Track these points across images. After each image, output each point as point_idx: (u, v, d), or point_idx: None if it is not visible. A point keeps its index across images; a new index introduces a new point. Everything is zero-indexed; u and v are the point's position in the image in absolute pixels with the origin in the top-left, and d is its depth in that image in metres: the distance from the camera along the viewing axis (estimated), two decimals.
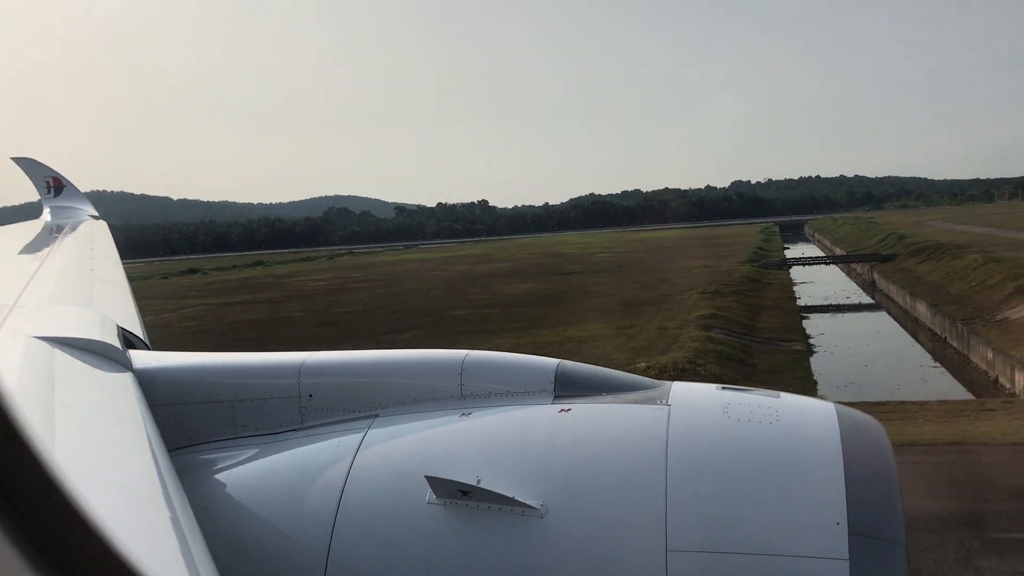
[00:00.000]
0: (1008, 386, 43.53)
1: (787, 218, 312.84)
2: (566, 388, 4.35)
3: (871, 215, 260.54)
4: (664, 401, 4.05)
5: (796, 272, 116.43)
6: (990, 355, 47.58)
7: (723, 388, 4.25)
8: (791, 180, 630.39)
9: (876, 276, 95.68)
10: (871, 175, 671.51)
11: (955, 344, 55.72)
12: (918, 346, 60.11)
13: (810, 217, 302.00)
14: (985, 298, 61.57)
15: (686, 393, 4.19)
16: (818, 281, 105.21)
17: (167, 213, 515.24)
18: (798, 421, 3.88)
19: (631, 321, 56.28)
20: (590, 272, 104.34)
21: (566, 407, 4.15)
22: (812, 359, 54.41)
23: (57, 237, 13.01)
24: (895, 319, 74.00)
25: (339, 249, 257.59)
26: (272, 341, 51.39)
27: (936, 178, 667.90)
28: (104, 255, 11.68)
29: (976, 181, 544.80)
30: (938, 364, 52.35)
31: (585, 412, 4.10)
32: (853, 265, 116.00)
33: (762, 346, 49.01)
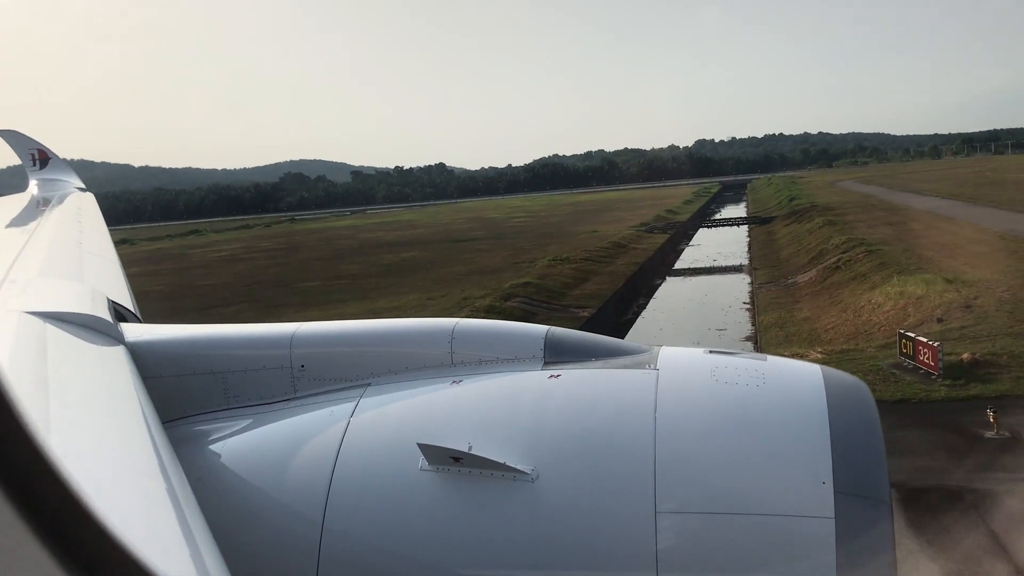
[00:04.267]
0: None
1: (737, 178, 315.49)
2: (555, 354, 4.45)
3: (811, 174, 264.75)
4: (652, 365, 4.13)
5: (703, 235, 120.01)
6: (759, 319, 51.13)
7: (710, 352, 4.30)
8: (755, 138, 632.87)
9: (749, 239, 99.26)
10: (834, 131, 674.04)
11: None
12: (731, 310, 63.55)
13: (757, 176, 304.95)
14: (797, 263, 65.16)
15: (674, 357, 4.25)
16: (711, 244, 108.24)
17: (127, 181, 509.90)
18: (784, 383, 3.96)
19: (449, 291, 59.43)
20: (483, 239, 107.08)
21: (556, 373, 4.22)
22: (625, 323, 58.20)
23: (44, 210, 12.90)
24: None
25: (280, 216, 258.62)
26: None
27: (898, 134, 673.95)
28: (92, 227, 11.65)
29: (935, 136, 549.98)
30: (725, 328, 55.80)
31: (574, 378, 4.16)
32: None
33: (550, 313, 52.13)
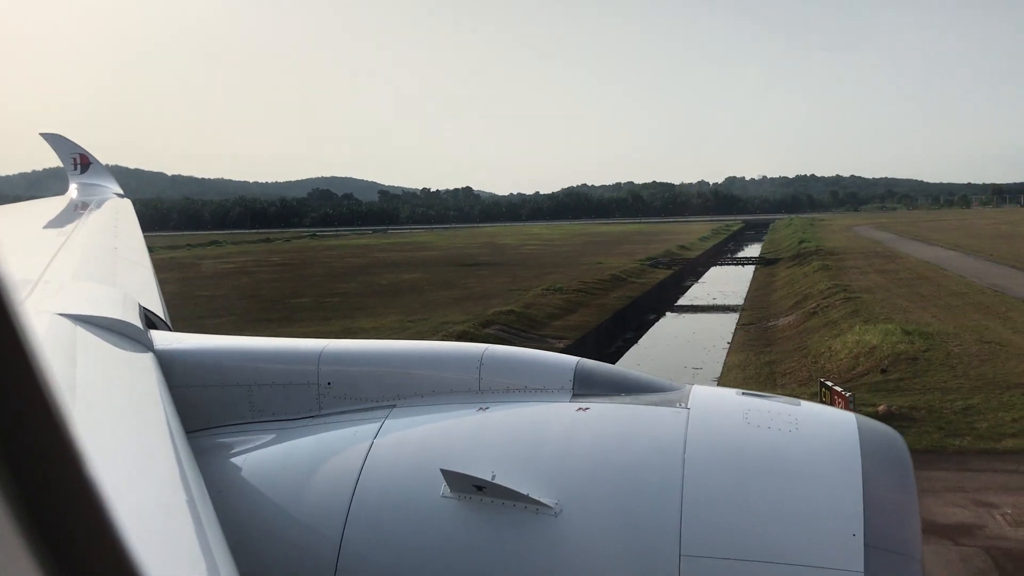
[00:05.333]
0: None
1: (760, 217, 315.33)
2: (584, 387, 4.40)
3: (835, 217, 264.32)
4: (683, 404, 4.08)
5: (712, 272, 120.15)
6: (727, 359, 51.40)
7: (743, 393, 4.27)
8: (786, 178, 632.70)
9: (751, 279, 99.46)
10: (867, 176, 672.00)
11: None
12: (714, 349, 63.73)
13: (781, 217, 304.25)
14: (784, 305, 65.32)
15: (706, 397, 4.21)
16: (716, 282, 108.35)
17: (159, 189, 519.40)
18: (818, 430, 3.88)
19: (432, 315, 60.16)
20: (489, 264, 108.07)
21: (584, 406, 4.17)
22: (605, 356, 58.56)
23: (82, 214, 13.01)
24: None
25: (302, 232, 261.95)
26: None
27: (931, 181, 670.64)
28: (128, 234, 11.74)
29: (968, 186, 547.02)
30: (702, 366, 56.02)
31: (603, 412, 4.11)
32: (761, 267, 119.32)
33: (527, 343, 52.73)
